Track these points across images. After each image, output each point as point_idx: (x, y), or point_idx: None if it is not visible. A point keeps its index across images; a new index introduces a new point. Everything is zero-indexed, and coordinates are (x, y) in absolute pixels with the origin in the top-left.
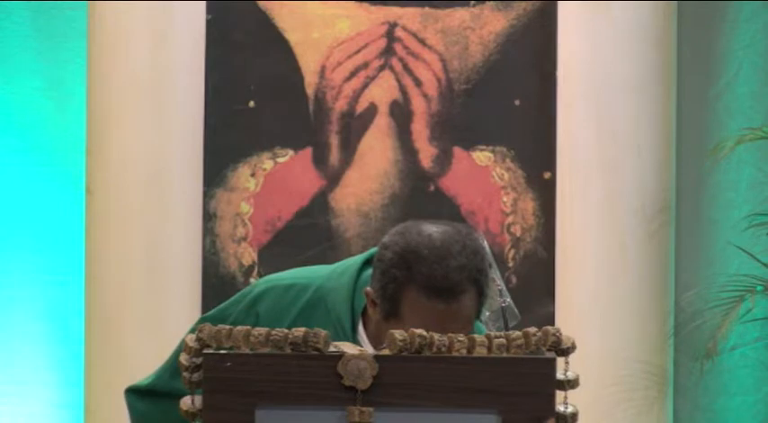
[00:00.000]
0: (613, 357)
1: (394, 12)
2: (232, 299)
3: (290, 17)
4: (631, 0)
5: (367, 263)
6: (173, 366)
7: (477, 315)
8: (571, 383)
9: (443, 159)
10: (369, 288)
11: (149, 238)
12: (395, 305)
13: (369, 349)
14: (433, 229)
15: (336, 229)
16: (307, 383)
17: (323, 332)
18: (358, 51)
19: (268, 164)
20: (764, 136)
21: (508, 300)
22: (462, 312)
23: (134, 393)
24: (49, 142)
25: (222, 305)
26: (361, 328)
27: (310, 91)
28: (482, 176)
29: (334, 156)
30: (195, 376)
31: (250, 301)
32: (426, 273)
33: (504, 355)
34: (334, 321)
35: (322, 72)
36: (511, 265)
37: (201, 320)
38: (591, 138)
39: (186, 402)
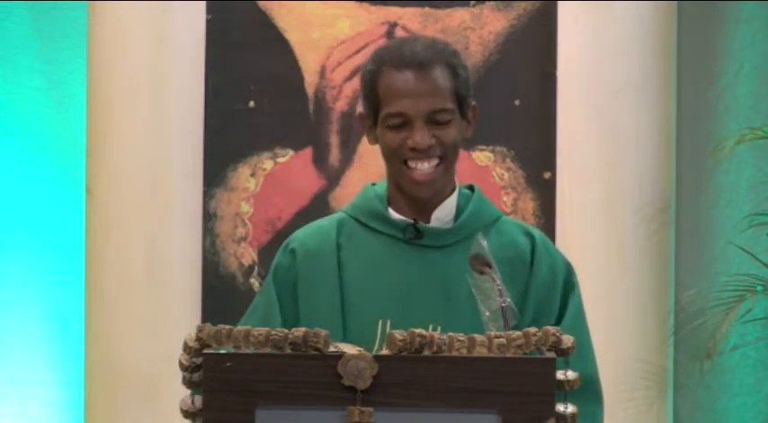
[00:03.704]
0: (613, 357)
1: (394, 12)
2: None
3: (290, 17)
4: (632, 0)
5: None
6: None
7: (460, 104)
8: (571, 383)
9: None
10: (358, 112)
11: (149, 238)
12: (375, 94)
13: (400, 217)
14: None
15: None
16: (307, 383)
17: (323, 332)
18: (358, 51)
19: (268, 164)
20: (764, 136)
21: (508, 300)
22: (435, 83)
23: None
24: (49, 142)
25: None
26: (390, 210)
27: (310, 91)
28: (482, 176)
29: (334, 156)
30: (195, 376)
31: (282, 251)
32: (395, 52)
33: (505, 355)
34: (368, 211)
35: (322, 72)
36: None
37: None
38: (591, 138)
39: (186, 402)
